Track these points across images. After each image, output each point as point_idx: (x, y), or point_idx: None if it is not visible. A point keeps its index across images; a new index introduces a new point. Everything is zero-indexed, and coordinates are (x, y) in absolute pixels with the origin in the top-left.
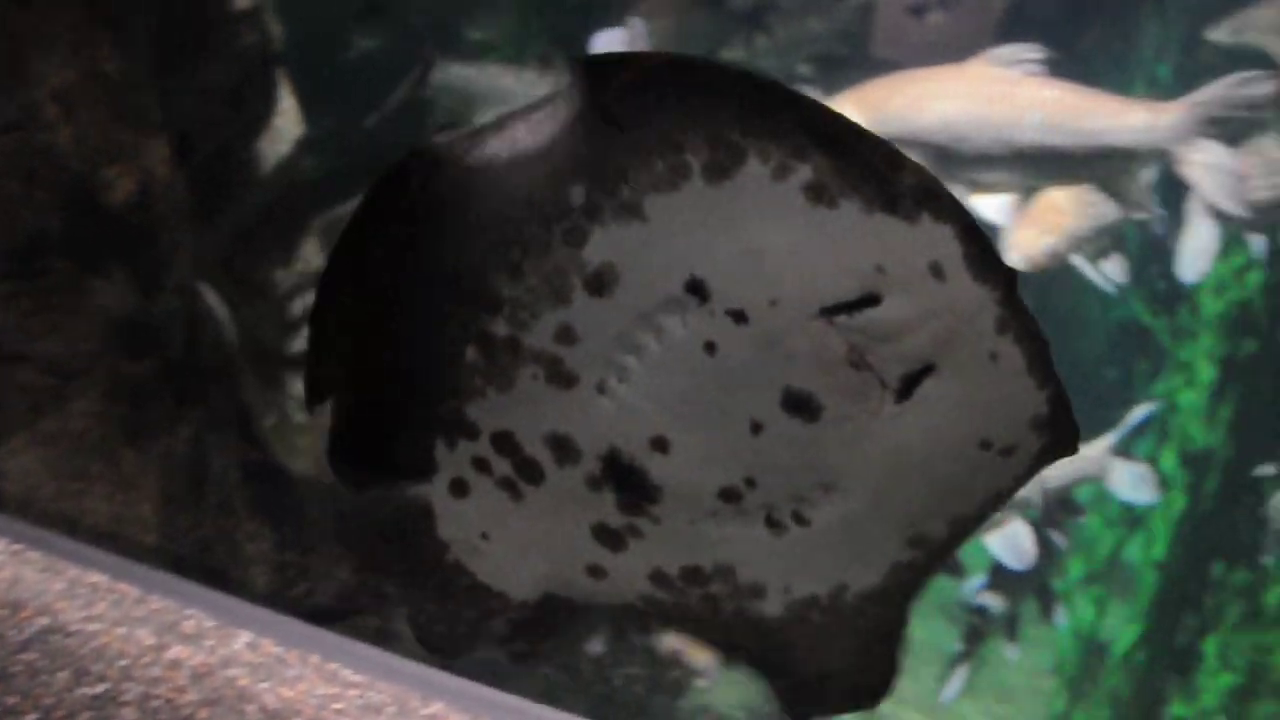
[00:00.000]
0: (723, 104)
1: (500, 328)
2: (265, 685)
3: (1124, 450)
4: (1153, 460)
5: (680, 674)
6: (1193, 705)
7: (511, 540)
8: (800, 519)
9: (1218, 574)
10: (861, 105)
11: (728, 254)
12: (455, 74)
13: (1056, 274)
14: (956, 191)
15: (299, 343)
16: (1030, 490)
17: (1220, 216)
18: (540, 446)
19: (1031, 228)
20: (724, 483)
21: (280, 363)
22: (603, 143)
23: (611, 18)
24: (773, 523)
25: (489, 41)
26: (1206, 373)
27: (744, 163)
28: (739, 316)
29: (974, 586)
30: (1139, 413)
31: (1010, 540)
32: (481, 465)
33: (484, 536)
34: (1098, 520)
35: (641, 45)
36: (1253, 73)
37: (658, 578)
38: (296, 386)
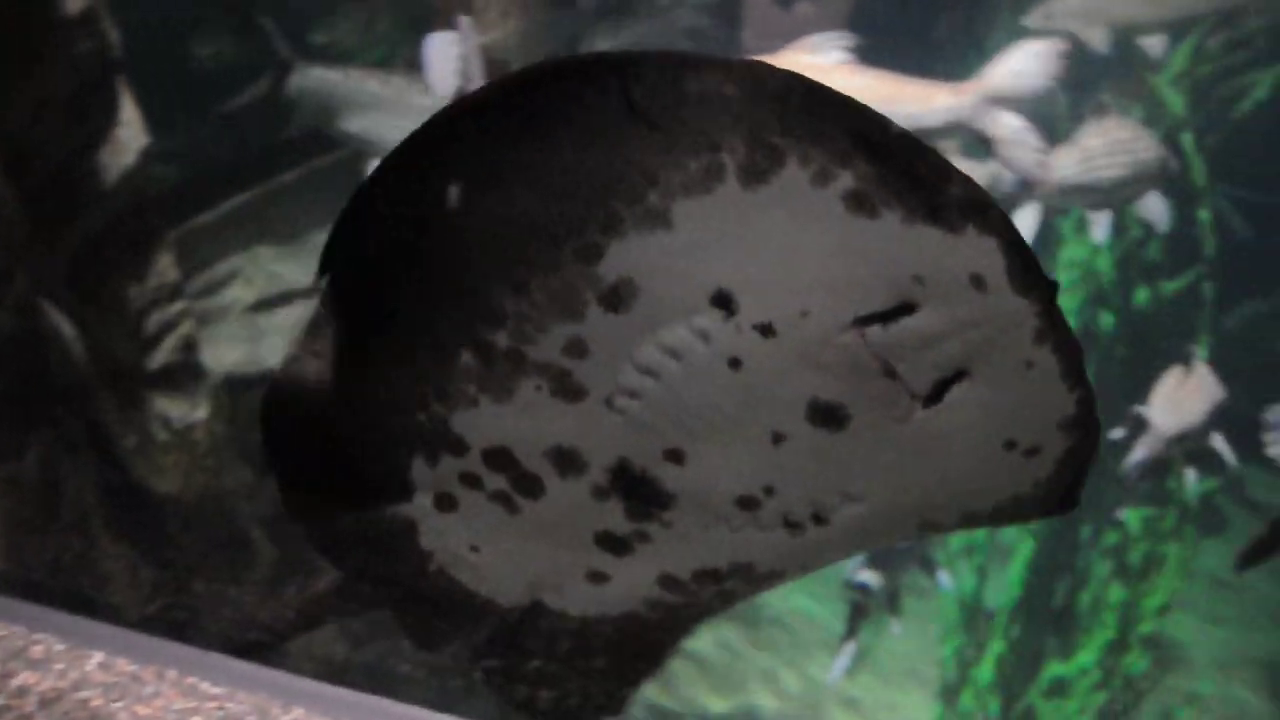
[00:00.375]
0: (764, 102)
1: (501, 339)
2: (119, 705)
3: None
4: None
5: None
6: (1070, 662)
7: (505, 551)
8: (819, 520)
9: (1085, 536)
10: None
11: (758, 264)
12: (316, 77)
13: None
14: None
15: (158, 359)
16: None
17: (1028, 186)
18: (541, 461)
19: None
20: (742, 491)
21: (139, 380)
22: (629, 144)
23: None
24: (791, 524)
25: (335, 44)
26: None
27: (783, 166)
28: (766, 330)
29: (854, 564)
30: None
31: None
32: (471, 481)
33: (474, 549)
34: None
35: (472, 46)
36: (1040, 43)
37: (667, 581)
38: (158, 404)
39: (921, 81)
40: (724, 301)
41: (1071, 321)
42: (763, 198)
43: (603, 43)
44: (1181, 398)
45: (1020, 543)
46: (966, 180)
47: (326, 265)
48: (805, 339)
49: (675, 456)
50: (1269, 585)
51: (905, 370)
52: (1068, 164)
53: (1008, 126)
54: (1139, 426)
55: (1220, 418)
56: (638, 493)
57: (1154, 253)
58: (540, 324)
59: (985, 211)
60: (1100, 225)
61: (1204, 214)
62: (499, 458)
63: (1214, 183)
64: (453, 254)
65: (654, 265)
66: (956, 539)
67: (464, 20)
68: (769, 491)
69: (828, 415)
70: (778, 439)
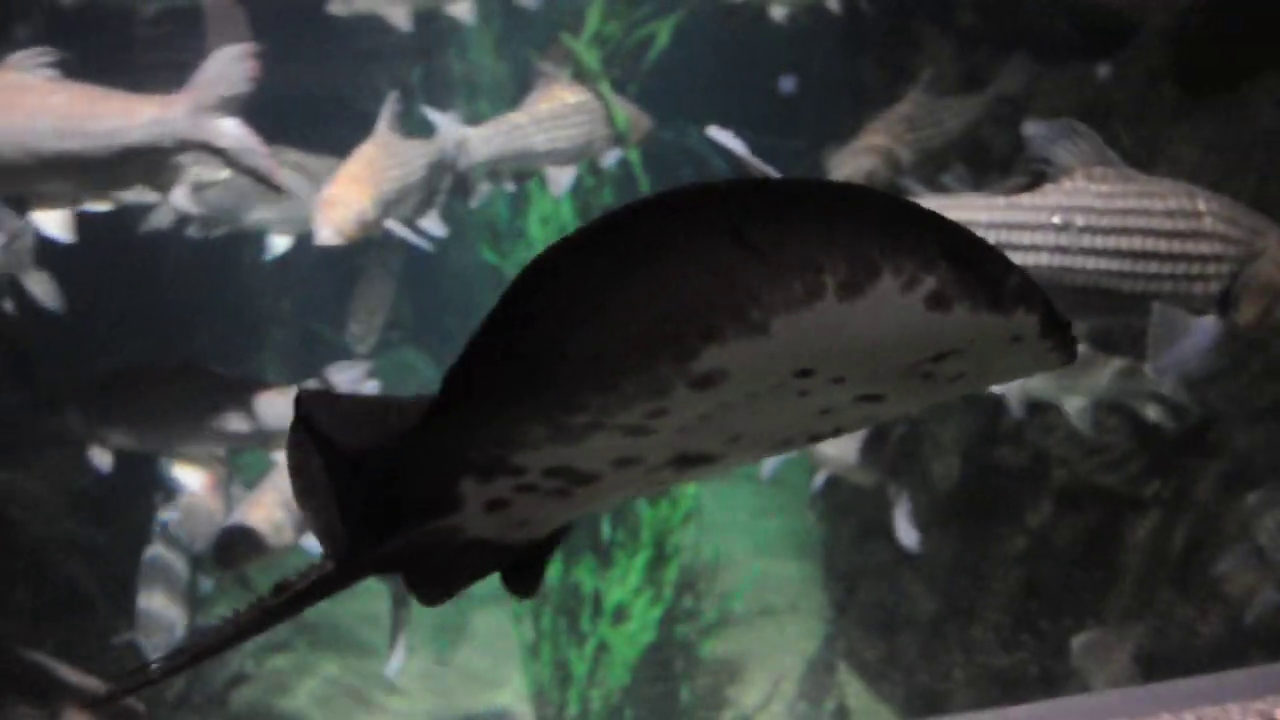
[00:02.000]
0: (865, 224)
1: (580, 419)
2: None
3: None
4: None
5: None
6: (624, 585)
7: (551, 520)
8: (838, 432)
9: None
10: None
11: (843, 351)
12: None
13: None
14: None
15: None
16: None
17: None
18: (603, 465)
19: (335, 203)
20: (786, 439)
21: None
22: (736, 270)
23: None
24: (815, 438)
25: None
26: None
27: (879, 278)
28: (839, 380)
29: None
30: None
31: None
32: (526, 489)
33: (521, 524)
34: None
35: None
36: (235, 47)
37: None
38: None
39: (129, 96)
40: (806, 373)
41: None
42: (858, 306)
43: None
44: None
45: None
46: (1020, 272)
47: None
48: (868, 379)
49: (734, 440)
50: (800, 477)
51: (939, 376)
52: (493, 135)
53: (229, 135)
54: None
55: None
56: (691, 462)
57: (607, 198)
58: (624, 406)
59: (1032, 296)
60: (560, 182)
61: (633, 155)
62: (559, 472)
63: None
64: (549, 362)
65: (746, 361)
66: None
67: None
68: (811, 438)
69: (871, 399)
70: (824, 412)
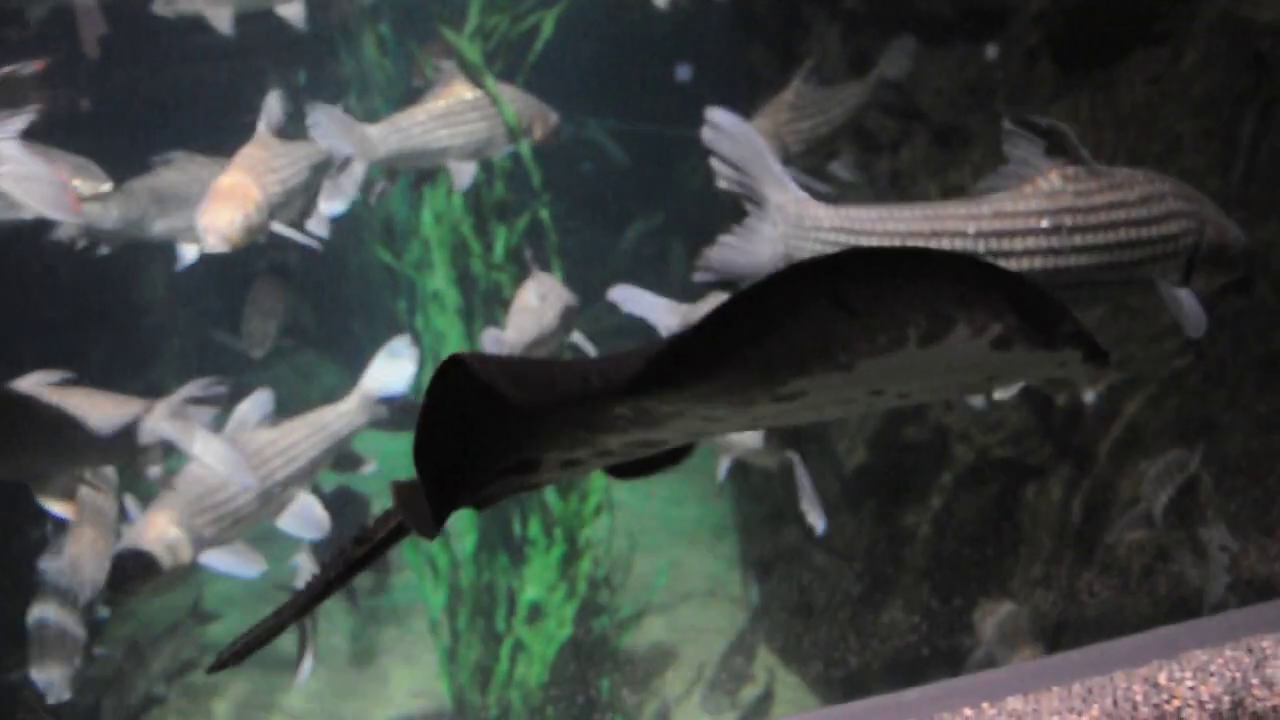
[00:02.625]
0: (945, 286)
1: (700, 409)
2: None
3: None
4: None
5: None
6: (539, 584)
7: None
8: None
9: None
10: None
11: (915, 379)
12: None
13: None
14: None
15: None
16: (320, 456)
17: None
18: (677, 438)
19: (220, 209)
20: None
21: None
22: (833, 326)
23: None
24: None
25: None
26: (452, 297)
27: (953, 329)
28: (904, 395)
29: (292, 568)
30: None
31: (300, 515)
32: (604, 454)
33: (573, 474)
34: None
35: None
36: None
37: None
38: None
39: None
40: (878, 391)
41: (445, 271)
42: (932, 352)
43: None
44: (535, 308)
45: None
46: (1074, 319)
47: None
48: (930, 392)
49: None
50: (712, 464)
51: (983, 382)
52: (389, 133)
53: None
54: (498, 345)
55: (573, 318)
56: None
57: (500, 192)
58: (718, 404)
59: (1078, 336)
60: (462, 178)
61: (524, 149)
62: (636, 445)
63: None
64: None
65: (828, 387)
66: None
67: None
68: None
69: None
70: (878, 392)
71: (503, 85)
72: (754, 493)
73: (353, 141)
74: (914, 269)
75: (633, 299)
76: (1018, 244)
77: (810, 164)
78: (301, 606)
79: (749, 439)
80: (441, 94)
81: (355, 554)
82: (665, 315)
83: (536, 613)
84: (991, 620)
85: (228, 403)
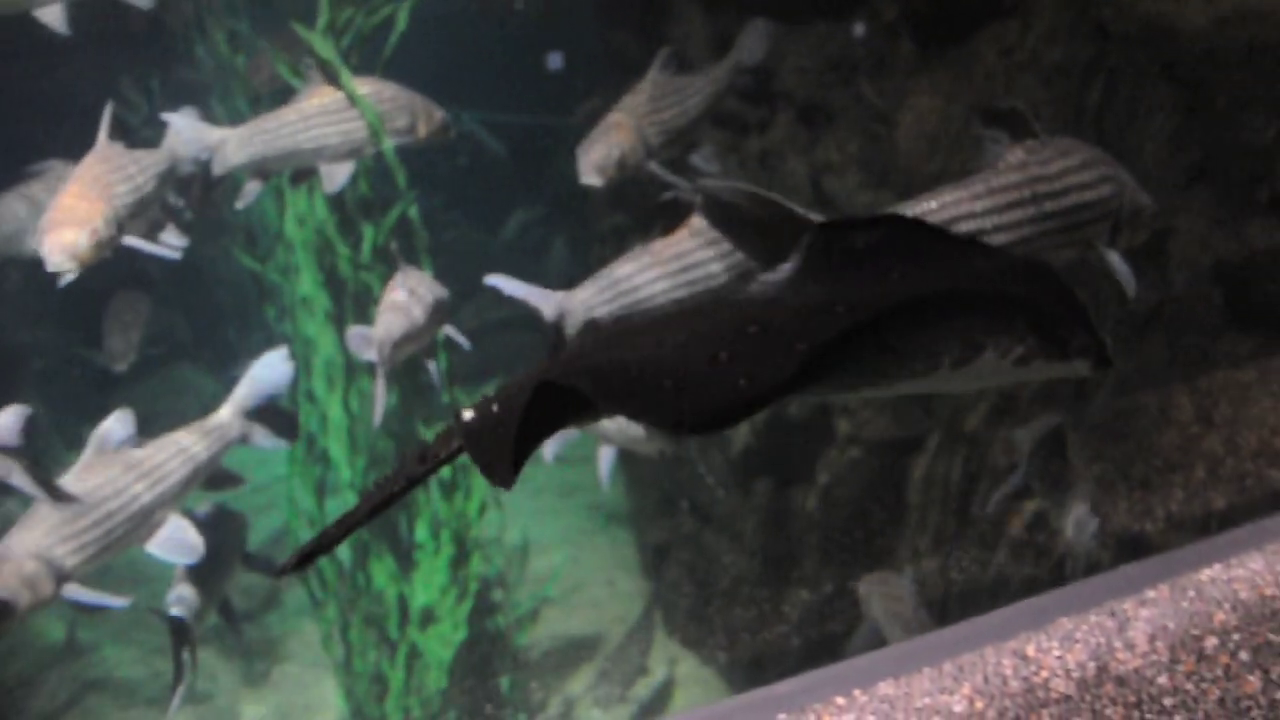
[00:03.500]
0: (978, 319)
1: None
2: None
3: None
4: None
5: None
6: (430, 587)
7: None
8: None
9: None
10: None
11: (946, 387)
12: None
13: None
14: None
15: None
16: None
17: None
18: None
19: (63, 224)
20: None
21: None
22: (874, 361)
23: None
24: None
25: None
26: (321, 301)
27: (983, 354)
28: (929, 397)
29: (171, 599)
30: (263, 360)
31: (171, 539)
32: None
33: None
34: (287, 470)
35: None
36: None
37: None
38: None
39: None
40: (910, 397)
41: (312, 274)
42: (961, 371)
43: None
44: (403, 304)
45: (347, 496)
46: (1085, 333)
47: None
48: (956, 392)
49: None
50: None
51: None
52: (253, 135)
53: None
54: (365, 343)
55: (444, 313)
56: None
57: (365, 190)
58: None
59: (1090, 349)
60: (334, 179)
61: (387, 147)
62: None
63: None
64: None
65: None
66: (276, 520)
67: None
68: None
69: None
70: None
71: (383, 82)
72: (644, 481)
73: (211, 147)
74: (949, 306)
75: (509, 286)
76: (1010, 216)
77: (670, 155)
78: (362, 517)
79: (630, 428)
80: (315, 92)
81: (417, 472)
82: (541, 303)
83: (429, 617)
84: (878, 596)
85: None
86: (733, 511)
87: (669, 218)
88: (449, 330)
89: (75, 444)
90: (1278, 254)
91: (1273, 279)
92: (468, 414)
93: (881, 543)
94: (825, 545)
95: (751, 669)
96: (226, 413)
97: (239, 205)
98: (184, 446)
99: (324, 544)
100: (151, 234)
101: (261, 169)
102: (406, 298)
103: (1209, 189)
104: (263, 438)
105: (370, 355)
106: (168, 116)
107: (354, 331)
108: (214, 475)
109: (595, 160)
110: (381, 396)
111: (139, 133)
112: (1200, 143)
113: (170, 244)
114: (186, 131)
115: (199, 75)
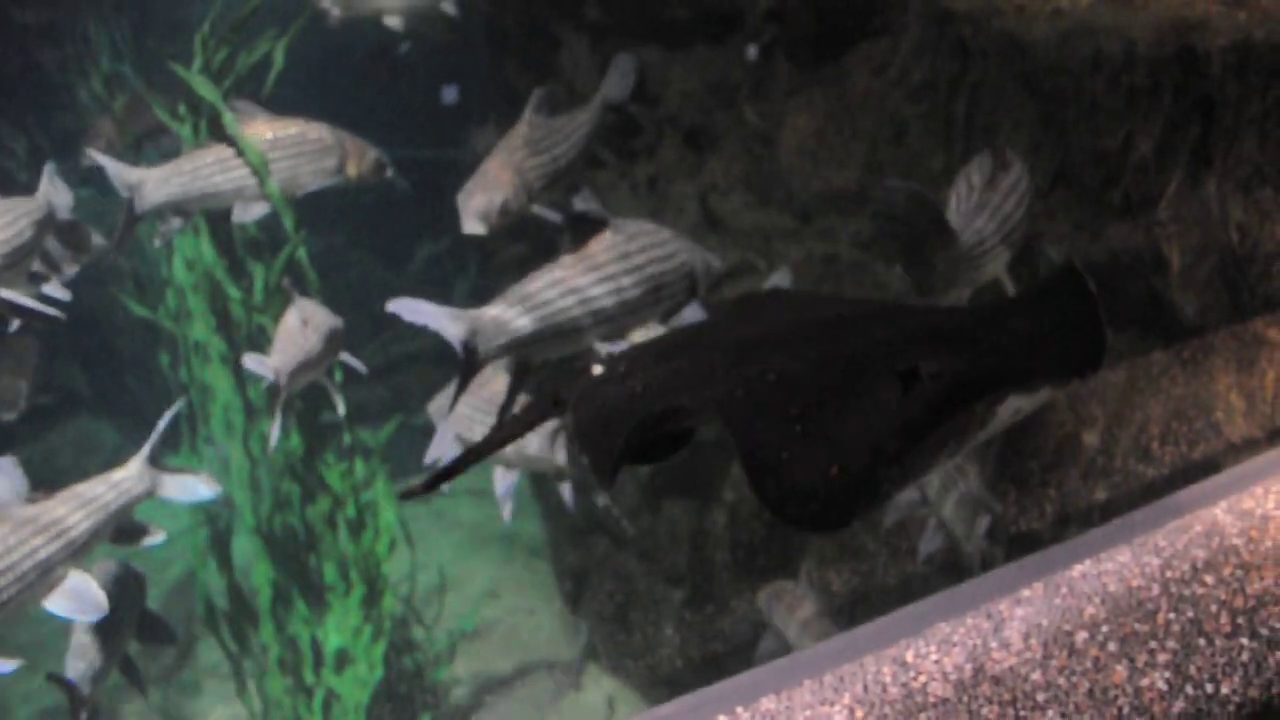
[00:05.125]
0: (1008, 376)
1: None
2: None
3: (161, 454)
4: (210, 445)
5: None
6: (343, 628)
7: None
8: None
9: (317, 511)
10: None
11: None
12: None
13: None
14: None
15: None
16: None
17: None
18: None
19: None
20: None
21: None
22: (911, 417)
23: None
24: None
25: None
26: (216, 345)
27: (1005, 400)
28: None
29: (69, 659)
30: (167, 415)
31: (72, 594)
32: None
33: None
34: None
35: None
36: None
37: None
38: None
39: None
40: None
41: (205, 319)
42: (990, 412)
43: None
44: (298, 334)
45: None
46: (1077, 365)
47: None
48: None
49: None
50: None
51: None
52: (171, 176)
53: None
54: (262, 368)
55: (339, 341)
56: None
57: (253, 231)
58: None
59: (1086, 372)
60: (249, 213)
61: (272, 191)
62: None
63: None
64: None
65: None
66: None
67: None
68: None
69: None
70: None
71: (310, 123)
72: (558, 508)
73: (132, 186)
74: (982, 377)
75: (412, 310)
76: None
77: (552, 199)
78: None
79: (529, 446)
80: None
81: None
82: (449, 323)
83: (344, 659)
84: (780, 605)
85: None
86: (647, 532)
87: (579, 232)
88: (345, 357)
89: None
90: (1138, 254)
91: (1135, 278)
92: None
93: (788, 552)
94: (736, 559)
95: (674, 687)
96: (135, 466)
97: (156, 243)
98: (87, 500)
99: (451, 471)
100: (32, 286)
101: (180, 209)
102: (301, 327)
103: (1068, 193)
104: (181, 491)
105: (266, 374)
106: (91, 152)
107: (250, 359)
108: (122, 527)
109: (477, 208)
110: (277, 424)
111: (16, 177)
112: (1057, 150)
113: (54, 297)
114: (109, 169)
115: (79, 118)
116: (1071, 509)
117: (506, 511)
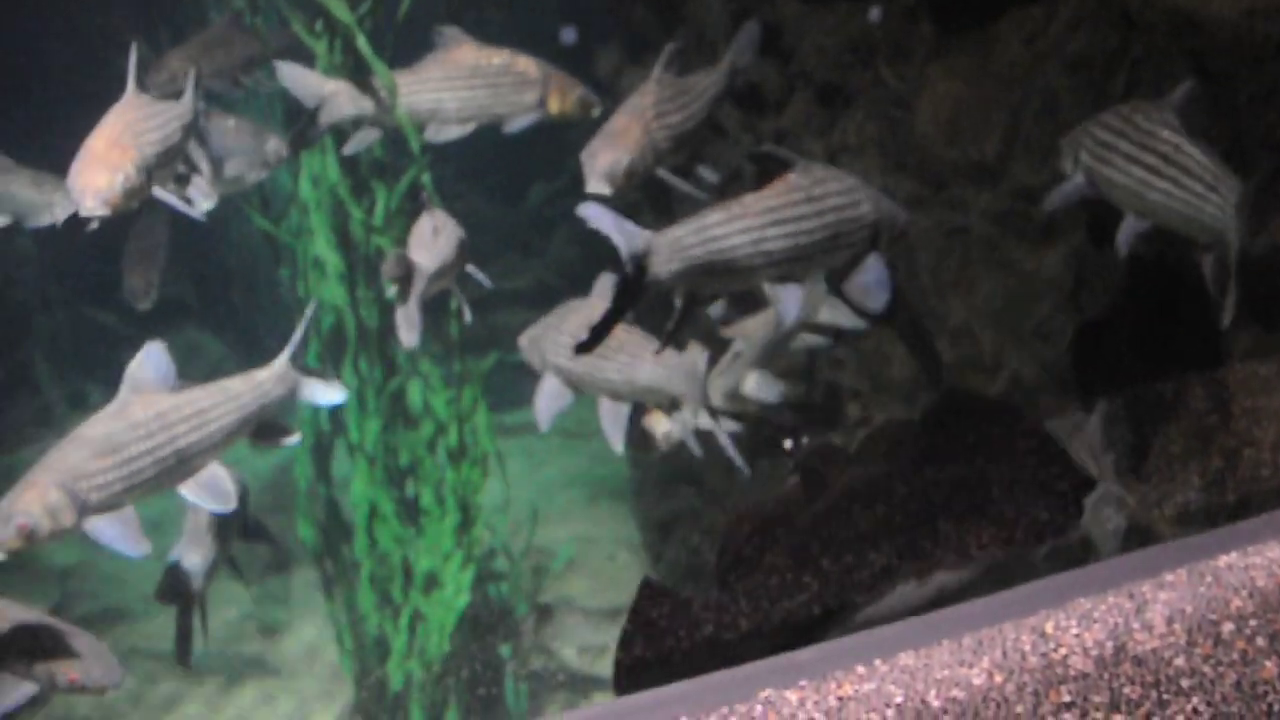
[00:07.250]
0: None
1: None
2: None
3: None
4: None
5: None
6: (434, 551)
7: None
8: None
9: (420, 437)
10: None
11: None
12: None
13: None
14: None
15: None
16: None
17: None
18: None
19: (98, 169)
20: None
21: None
22: None
23: None
24: None
25: None
26: (334, 262)
27: None
28: None
29: (171, 561)
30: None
31: (206, 484)
32: None
33: None
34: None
35: None
36: None
37: None
38: None
39: None
40: None
41: (325, 236)
42: None
43: None
44: (431, 239)
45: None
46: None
47: None
48: None
49: None
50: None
51: None
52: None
53: None
54: (407, 271)
55: (464, 254)
56: None
57: (379, 153)
58: None
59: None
60: (443, 135)
61: (401, 116)
62: None
63: None
64: None
65: None
66: None
67: None
68: None
69: None
70: None
71: (522, 55)
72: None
73: (323, 97)
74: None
75: (597, 216)
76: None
77: (676, 163)
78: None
79: (640, 375)
80: (448, 57)
81: None
82: (627, 237)
83: (433, 582)
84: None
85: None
86: (734, 488)
87: (764, 171)
88: (471, 270)
89: (79, 404)
90: None
91: None
92: None
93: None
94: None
95: (740, 648)
96: (277, 368)
97: (346, 151)
98: (229, 396)
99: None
100: (179, 189)
101: (375, 123)
102: (433, 235)
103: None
104: (312, 391)
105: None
106: (278, 65)
107: (393, 255)
108: (262, 426)
109: (603, 168)
110: (417, 319)
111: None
112: (1225, 135)
113: (198, 201)
114: (299, 80)
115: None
116: (1208, 503)
117: (617, 443)
